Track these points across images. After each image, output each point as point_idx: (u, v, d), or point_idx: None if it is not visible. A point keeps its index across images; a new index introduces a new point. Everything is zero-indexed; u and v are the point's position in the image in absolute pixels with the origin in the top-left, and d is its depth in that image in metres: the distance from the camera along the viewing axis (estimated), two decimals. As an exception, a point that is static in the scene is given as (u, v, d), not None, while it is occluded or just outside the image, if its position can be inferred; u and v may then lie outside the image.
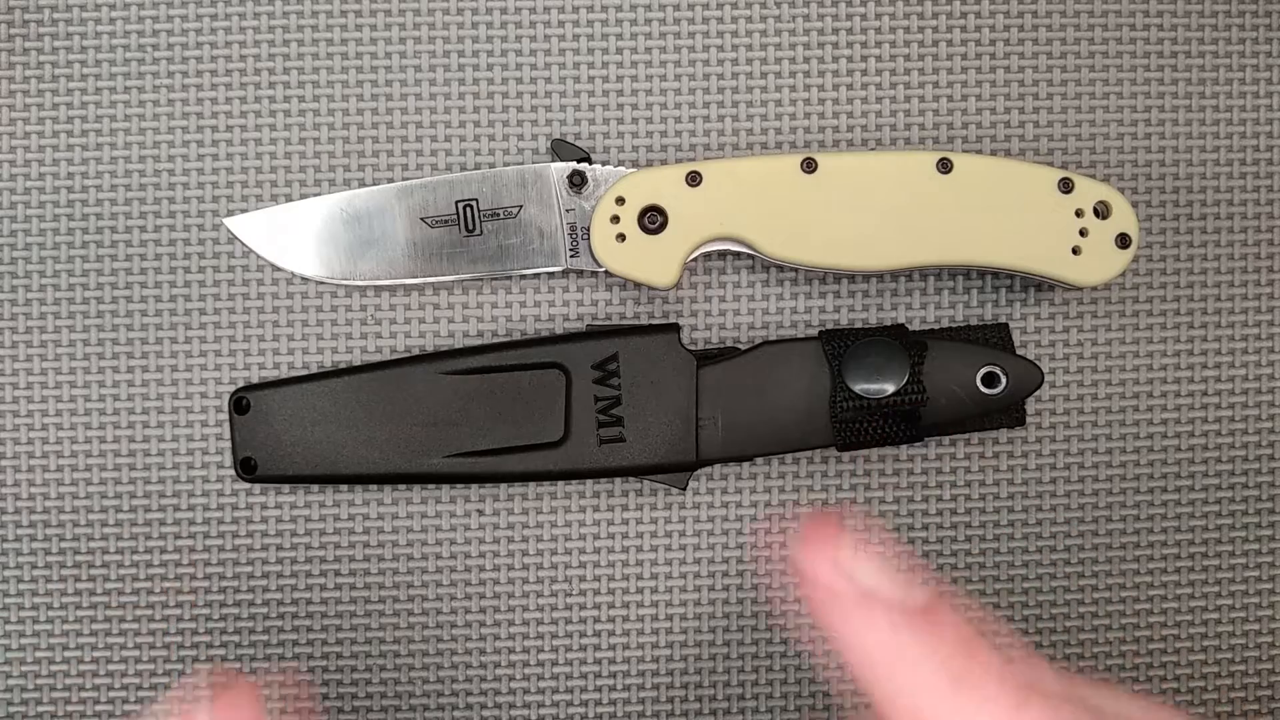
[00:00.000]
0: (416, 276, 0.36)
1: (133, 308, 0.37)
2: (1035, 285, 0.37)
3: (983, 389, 0.35)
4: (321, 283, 0.37)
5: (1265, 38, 0.38)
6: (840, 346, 0.35)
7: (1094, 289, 0.37)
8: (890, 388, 0.34)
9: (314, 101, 0.37)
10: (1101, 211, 0.35)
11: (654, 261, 0.35)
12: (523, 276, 0.37)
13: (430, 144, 0.37)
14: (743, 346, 0.36)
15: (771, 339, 0.36)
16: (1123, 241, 0.35)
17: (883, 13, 0.37)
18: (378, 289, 0.37)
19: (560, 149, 0.36)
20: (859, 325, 0.37)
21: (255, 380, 0.37)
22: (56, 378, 0.37)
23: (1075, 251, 0.35)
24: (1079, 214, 0.35)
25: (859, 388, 0.34)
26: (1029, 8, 0.38)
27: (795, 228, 0.35)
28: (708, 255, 0.37)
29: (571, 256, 0.36)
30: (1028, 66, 0.38)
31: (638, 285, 0.37)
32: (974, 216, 0.35)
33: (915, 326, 0.37)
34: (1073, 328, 0.38)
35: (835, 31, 0.37)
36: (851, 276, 0.37)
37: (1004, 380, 0.35)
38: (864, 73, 0.37)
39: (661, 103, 0.37)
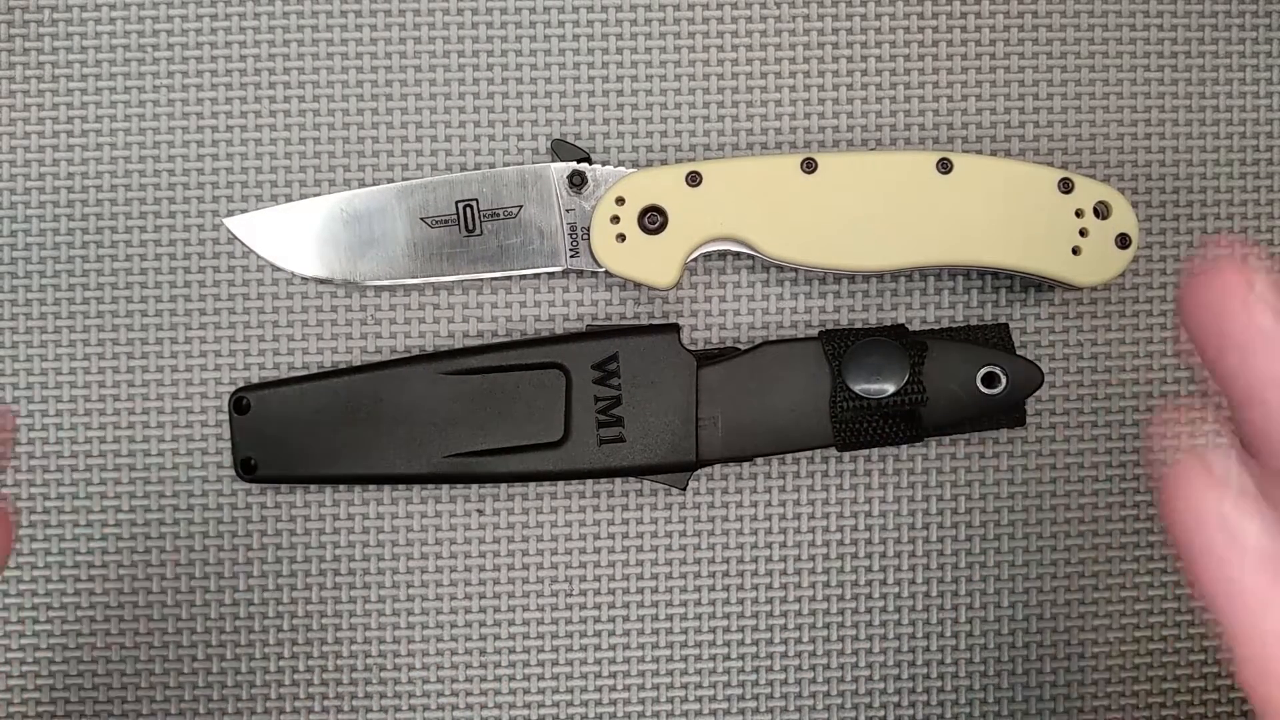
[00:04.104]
0: (416, 276, 0.36)
1: (133, 308, 0.37)
2: (1035, 285, 0.37)
3: (983, 389, 0.35)
4: (321, 283, 0.37)
5: (1265, 38, 0.38)
6: (840, 347, 0.35)
7: (1094, 289, 0.37)
8: (890, 388, 0.34)
9: (314, 102, 0.37)
10: (1101, 212, 0.35)
11: (654, 261, 0.35)
12: (523, 277, 0.37)
13: (430, 144, 0.37)
14: (743, 347, 0.36)
15: (772, 339, 0.36)
16: (1123, 242, 0.35)
17: (883, 13, 0.37)
18: (378, 289, 0.37)
19: (560, 149, 0.36)
20: (859, 325, 0.37)
21: (255, 380, 0.37)
22: (57, 378, 0.37)
23: (1075, 252, 0.35)
24: (1079, 214, 0.35)
25: (859, 388, 0.34)
26: (1029, 8, 0.38)
27: (795, 228, 0.35)
28: (708, 255, 0.37)
29: (571, 257, 0.36)
30: (1028, 67, 0.38)
31: (638, 285, 0.37)
32: (974, 217, 0.35)
33: (915, 326, 0.37)
34: (1072, 328, 0.38)
35: (835, 32, 0.37)
36: (851, 276, 0.37)
37: (1004, 380, 0.35)
38: (864, 73, 0.37)
39: (661, 103, 0.37)
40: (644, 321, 0.37)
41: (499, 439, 0.35)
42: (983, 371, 0.35)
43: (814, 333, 0.36)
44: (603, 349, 0.35)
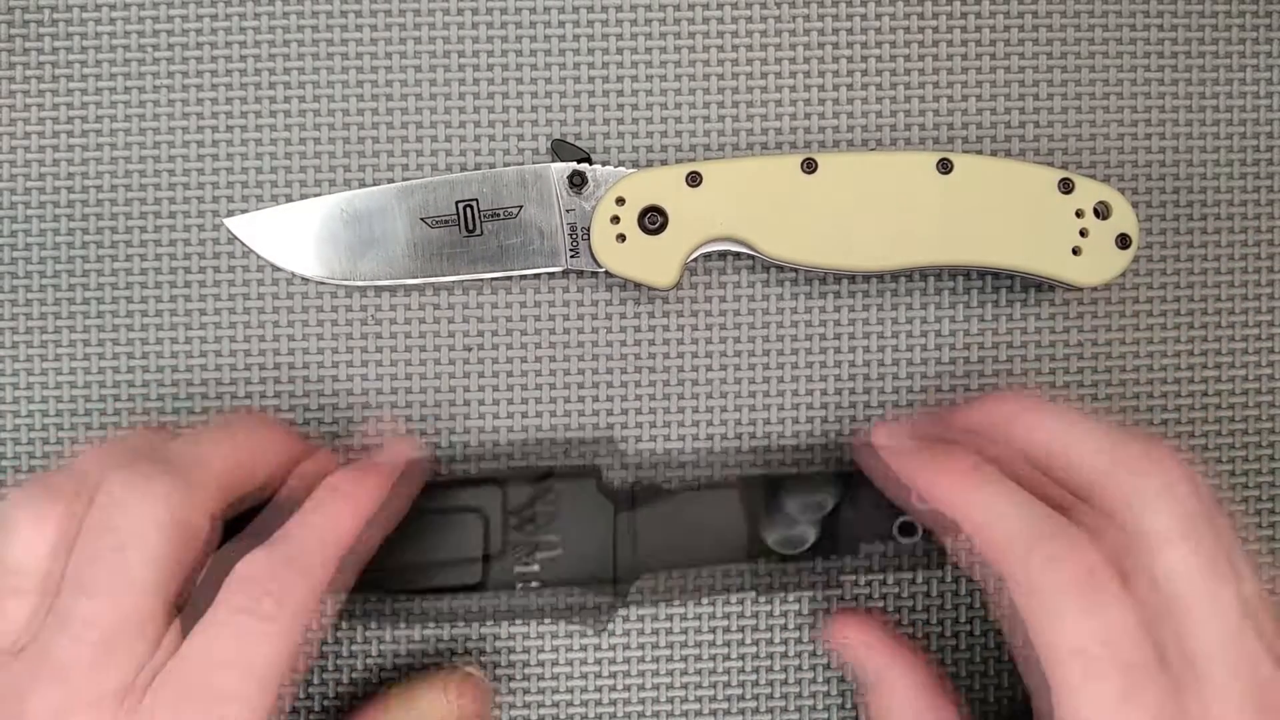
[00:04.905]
0: (417, 277, 0.36)
1: (133, 308, 0.37)
2: (1035, 285, 0.37)
3: (900, 538, 0.34)
4: (322, 283, 0.37)
5: (1265, 38, 0.38)
6: (759, 495, 0.34)
7: (1094, 289, 0.37)
8: (806, 542, 0.34)
9: (314, 102, 0.37)
10: (1102, 212, 0.35)
11: (654, 262, 0.35)
12: (523, 277, 0.37)
13: (430, 144, 0.37)
14: (669, 486, 0.36)
15: (693, 482, 0.36)
16: (1123, 242, 0.35)
17: (883, 13, 0.37)
18: (378, 289, 0.37)
19: (560, 149, 0.36)
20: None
21: (255, 380, 0.37)
22: (57, 378, 0.37)
23: (1075, 252, 0.35)
24: (1079, 214, 0.35)
25: (775, 541, 0.34)
26: (1029, 8, 0.38)
27: (795, 228, 0.35)
28: (708, 255, 0.37)
29: (572, 257, 0.36)
30: (1028, 67, 0.38)
31: (638, 285, 0.37)
32: (974, 217, 0.35)
33: (916, 328, 0.37)
34: (1073, 328, 0.38)
35: (835, 32, 0.37)
36: (851, 276, 0.37)
37: (920, 528, 0.34)
38: (864, 73, 0.37)
39: (662, 103, 0.37)
40: (565, 464, 0.37)
41: (418, 581, 0.34)
42: (899, 521, 0.34)
43: (808, 338, 0.36)
44: (523, 494, 0.34)
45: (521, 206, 0.36)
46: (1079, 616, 0.27)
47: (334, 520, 0.30)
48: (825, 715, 0.37)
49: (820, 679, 0.37)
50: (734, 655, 0.37)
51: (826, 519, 0.34)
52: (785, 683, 0.37)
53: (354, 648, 0.37)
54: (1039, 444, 0.31)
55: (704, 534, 0.34)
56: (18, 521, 0.28)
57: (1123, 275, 0.37)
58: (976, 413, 0.32)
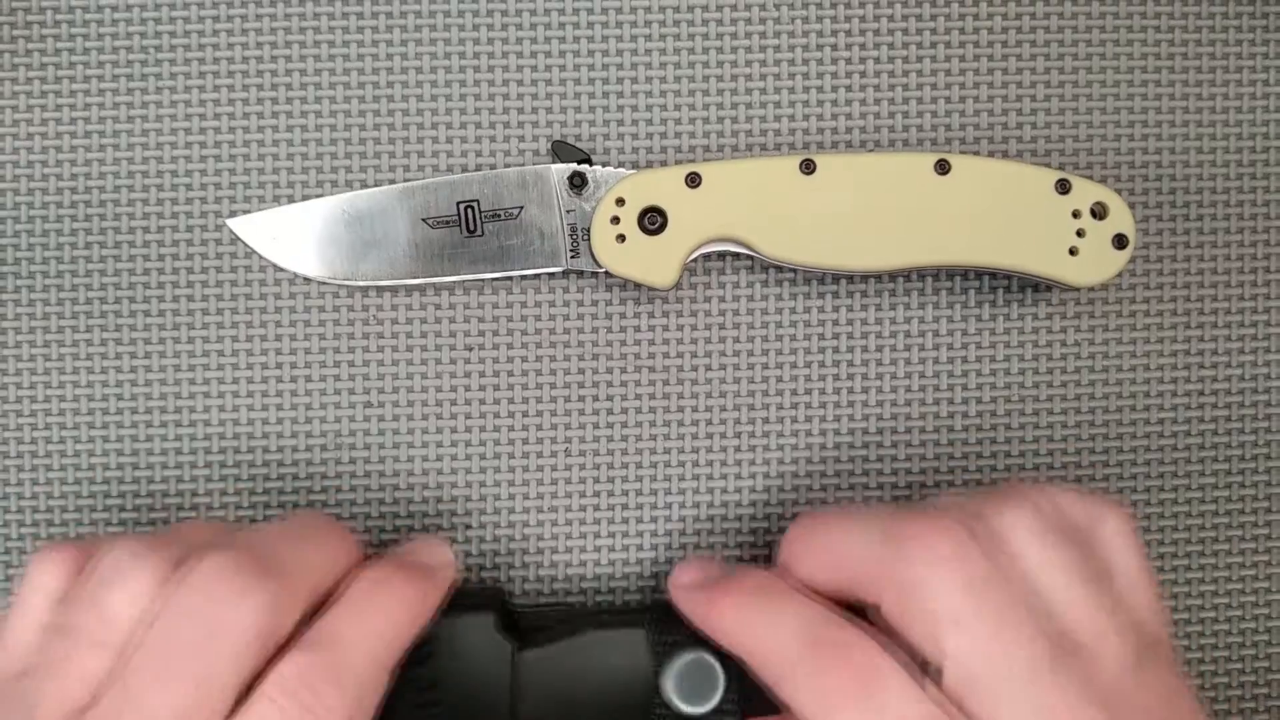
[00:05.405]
0: (418, 277, 0.36)
1: (135, 308, 0.37)
2: (1032, 286, 0.38)
3: None
4: (323, 283, 0.37)
5: (1262, 39, 0.38)
6: (661, 643, 0.33)
7: (1091, 289, 0.37)
8: (707, 708, 0.32)
9: (316, 103, 0.37)
10: (1098, 212, 0.35)
11: (654, 262, 0.35)
12: (523, 277, 0.37)
13: (431, 145, 0.37)
14: (573, 605, 0.36)
15: (595, 614, 0.35)
16: (1119, 242, 0.35)
17: (881, 15, 0.38)
18: (379, 289, 0.37)
19: (561, 150, 0.36)
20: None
21: (256, 379, 0.37)
22: (60, 378, 0.37)
23: (1072, 252, 0.35)
24: (1076, 215, 0.35)
25: (673, 699, 0.33)
26: (1026, 10, 0.38)
27: (794, 229, 0.35)
28: (707, 256, 0.37)
29: (572, 257, 0.36)
30: (1025, 68, 0.38)
31: (638, 285, 0.37)
32: (971, 217, 0.35)
33: (914, 328, 0.37)
34: (1070, 328, 0.38)
35: (834, 34, 0.38)
36: (850, 277, 0.38)
37: None
38: (862, 75, 0.38)
39: (661, 104, 0.37)
40: (469, 587, 0.36)
41: None
42: None
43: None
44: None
45: (522, 207, 0.36)
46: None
47: (382, 619, 0.29)
48: None
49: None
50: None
51: (726, 690, 0.32)
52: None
53: None
54: (828, 563, 0.30)
55: (607, 675, 0.33)
56: (128, 573, 0.28)
57: (1119, 275, 0.37)
58: (782, 560, 0.31)
